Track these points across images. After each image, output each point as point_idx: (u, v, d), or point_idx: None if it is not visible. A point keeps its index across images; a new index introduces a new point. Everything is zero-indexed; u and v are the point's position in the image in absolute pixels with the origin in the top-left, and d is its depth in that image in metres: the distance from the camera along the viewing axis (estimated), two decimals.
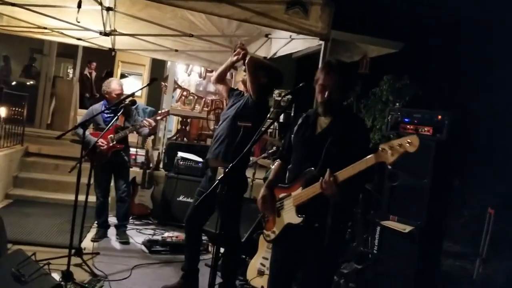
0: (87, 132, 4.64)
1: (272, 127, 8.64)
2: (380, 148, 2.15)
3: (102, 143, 4.73)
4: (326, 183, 2.28)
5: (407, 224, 3.99)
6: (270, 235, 2.67)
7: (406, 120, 4.21)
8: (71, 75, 11.80)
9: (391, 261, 4.07)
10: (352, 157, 2.25)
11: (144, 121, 4.81)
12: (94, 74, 11.19)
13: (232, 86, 5.19)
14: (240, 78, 4.04)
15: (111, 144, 4.80)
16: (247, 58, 3.64)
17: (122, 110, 4.44)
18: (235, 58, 3.74)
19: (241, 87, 4.04)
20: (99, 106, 4.91)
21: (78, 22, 4.39)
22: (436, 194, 4.02)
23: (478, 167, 7.01)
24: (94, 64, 11.11)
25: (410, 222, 3.99)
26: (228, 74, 4.38)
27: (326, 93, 2.49)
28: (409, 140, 2.08)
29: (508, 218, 6.33)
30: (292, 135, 2.71)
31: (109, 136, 4.78)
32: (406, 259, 3.96)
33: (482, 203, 6.65)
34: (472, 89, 7.54)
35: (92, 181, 4.07)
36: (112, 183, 5.11)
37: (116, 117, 4.34)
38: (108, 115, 4.83)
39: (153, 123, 4.84)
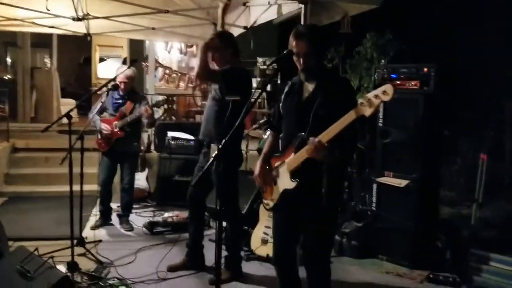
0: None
1: (260, 97, 8.59)
2: (359, 102, 2.20)
3: (106, 128, 4.74)
4: (312, 147, 2.32)
5: (402, 178, 4.05)
6: (269, 203, 2.73)
7: (392, 76, 4.21)
8: (49, 65, 11.55)
9: (390, 215, 4.14)
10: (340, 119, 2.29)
11: (142, 108, 4.63)
12: None
13: None
14: None
15: (114, 130, 4.76)
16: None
17: (130, 97, 4.54)
18: None
19: None
20: (111, 93, 4.80)
21: (48, 10, 4.25)
22: (428, 146, 4.06)
23: (465, 113, 7.07)
24: None
25: (405, 176, 4.04)
26: None
27: (301, 60, 2.53)
28: (383, 90, 2.14)
29: (499, 162, 6.45)
30: (281, 104, 2.74)
31: (114, 123, 4.76)
32: (405, 212, 4.04)
33: (473, 149, 6.76)
34: (455, 39, 7.51)
35: (95, 170, 4.04)
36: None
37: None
38: (116, 101, 4.81)
39: (149, 111, 4.61)
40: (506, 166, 6.75)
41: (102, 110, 4.87)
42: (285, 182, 2.58)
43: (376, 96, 2.15)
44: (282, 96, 2.71)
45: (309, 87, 2.59)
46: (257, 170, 2.75)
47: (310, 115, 2.47)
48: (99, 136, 4.86)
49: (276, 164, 2.66)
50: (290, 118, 2.65)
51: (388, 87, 2.14)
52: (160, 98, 5.68)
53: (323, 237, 2.62)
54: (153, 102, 4.91)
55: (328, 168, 2.47)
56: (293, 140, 2.54)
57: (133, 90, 4.88)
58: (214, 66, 3.63)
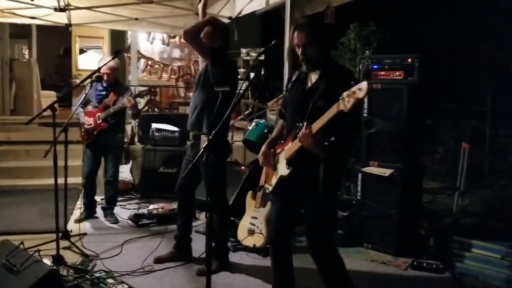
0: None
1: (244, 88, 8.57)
2: (340, 98, 2.27)
3: (88, 120, 4.73)
4: (302, 135, 2.40)
5: (387, 168, 4.10)
6: (269, 188, 2.86)
7: (376, 66, 4.24)
8: (27, 56, 11.32)
9: (375, 204, 4.20)
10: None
11: (125, 99, 4.62)
12: None
13: None
14: None
15: (97, 122, 4.73)
16: (182, 34, 3.53)
17: (113, 90, 4.55)
18: None
19: None
20: (94, 85, 4.77)
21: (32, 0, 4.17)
22: (412, 136, 4.12)
23: (447, 103, 7.17)
24: None
25: (390, 166, 4.09)
26: None
27: (300, 51, 2.59)
28: (359, 87, 2.21)
29: (479, 150, 6.57)
30: (287, 93, 2.85)
31: (97, 114, 4.73)
32: (389, 201, 4.09)
33: (454, 138, 6.88)
34: (438, 28, 7.60)
35: (79, 162, 3.99)
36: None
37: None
38: (100, 93, 4.78)
39: (132, 101, 4.60)
40: (486, 154, 6.88)
41: (85, 103, 4.82)
42: (282, 168, 2.68)
43: (354, 93, 2.21)
44: (289, 85, 2.80)
45: (313, 77, 2.66)
46: (261, 150, 2.86)
47: (309, 105, 2.54)
48: (82, 129, 4.82)
49: (278, 150, 2.78)
50: (292, 107, 2.74)
51: (363, 85, 2.21)
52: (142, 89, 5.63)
53: (322, 224, 2.68)
54: (136, 93, 4.85)
55: (325, 158, 2.53)
56: (292, 129, 2.62)
57: (116, 81, 4.86)
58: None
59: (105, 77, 4.69)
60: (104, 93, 4.80)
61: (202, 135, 3.46)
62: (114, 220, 4.93)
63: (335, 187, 2.75)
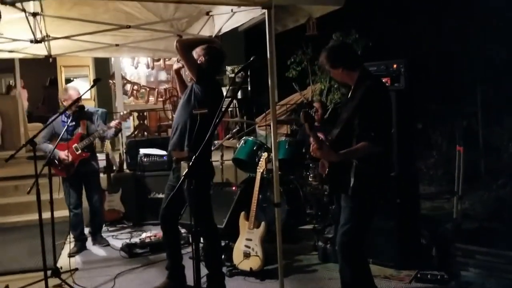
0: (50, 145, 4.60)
1: (231, 105, 8.49)
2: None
3: (66, 154, 4.59)
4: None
5: None
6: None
7: None
8: (14, 90, 11.21)
9: (374, 215, 4.06)
10: (356, 124, 2.71)
11: (110, 124, 4.71)
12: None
13: None
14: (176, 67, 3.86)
15: (77, 153, 4.64)
16: (175, 42, 3.47)
17: (81, 117, 4.52)
18: (176, 66, 3.81)
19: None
20: (60, 117, 4.69)
21: (1, 34, 4.07)
22: (404, 142, 4.02)
23: (437, 106, 7.14)
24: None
25: None
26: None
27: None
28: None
29: (473, 151, 6.51)
30: None
31: (73, 146, 4.64)
32: (386, 211, 3.96)
33: (447, 140, 6.82)
34: (420, 33, 7.60)
35: (59, 195, 3.90)
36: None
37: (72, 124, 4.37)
38: (70, 124, 4.62)
39: (120, 126, 4.72)
40: (480, 154, 6.82)
41: (51, 136, 4.72)
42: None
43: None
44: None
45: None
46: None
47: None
48: (59, 165, 4.66)
49: None
50: None
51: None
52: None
53: (348, 229, 2.83)
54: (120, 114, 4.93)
55: (356, 165, 2.72)
56: None
57: (80, 108, 4.53)
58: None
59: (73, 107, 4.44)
60: (74, 123, 4.69)
61: (182, 162, 3.34)
62: (105, 242, 4.95)
63: (364, 193, 2.79)
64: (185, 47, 3.49)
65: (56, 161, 4.61)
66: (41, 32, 4.70)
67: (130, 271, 4.23)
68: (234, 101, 8.43)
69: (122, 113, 4.94)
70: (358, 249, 2.91)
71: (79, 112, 4.50)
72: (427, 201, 5.65)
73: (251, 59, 2.62)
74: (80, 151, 4.66)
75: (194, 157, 2.13)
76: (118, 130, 4.81)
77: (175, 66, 3.83)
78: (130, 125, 9.75)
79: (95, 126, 4.82)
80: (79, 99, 4.40)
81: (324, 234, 4.40)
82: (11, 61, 9.30)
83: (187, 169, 2.14)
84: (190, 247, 4.62)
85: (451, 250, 3.67)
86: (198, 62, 3.52)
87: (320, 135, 2.77)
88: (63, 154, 4.58)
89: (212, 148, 6.05)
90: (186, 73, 3.70)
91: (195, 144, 3.21)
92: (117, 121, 4.75)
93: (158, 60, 9.00)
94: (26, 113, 10.74)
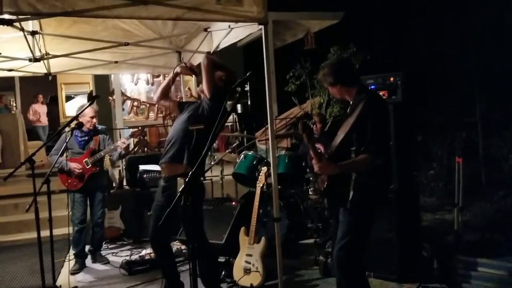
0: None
1: (231, 120, 8.51)
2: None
3: (77, 166, 4.68)
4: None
5: None
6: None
7: None
8: (14, 109, 11.27)
9: (372, 229, 4.04)
10: (355, 138, 2.75)
11: (119, 142, 4.79)
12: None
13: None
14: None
15: (87, 167, 4.71)
16: (205, 56, 3.66)
17: (95, 133, 4.70)
18: (178, 69, 3.84)
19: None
20: (74, 132, 4.78)
21: (0, 53, 4.10)
22: (403, 155, 4.01)
23: (436, 118, 7.14)
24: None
25: None
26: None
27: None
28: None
29: (473, 162, 6.49)
30: None
31: (84, 160, 4.71)
32: (387, 224, 3.95)
33: (447, 152, 6.80)
34: (417, 45, 7.64)
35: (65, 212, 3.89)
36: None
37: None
38: (82, 139, 4.79)
39: (127, 142, 4.80)
40: (481, 165, 6.80)
41: (63, 151, 4.75)
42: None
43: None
44: None
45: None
46: None
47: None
48: (71, 176, 4.72)
49: None
50: None
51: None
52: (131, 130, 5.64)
53: (345, 243, 2.83)
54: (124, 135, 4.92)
55: (356, 177, 2.74)
56: None
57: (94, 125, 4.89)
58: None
59: (91, 123, 4.76)
60: (86, 138, 4.82)
61: (178, 178, 3.33)
62: (105, 259, 4.97)
63: (363, 206, 2.81)
64: (212, 64, 3.66)
65: (65, 172, 4.67)
66: (40, 50, 4.73)
67: None
68: (234, 116, 8.45)
69: (132, 131, 5.08)
70: (356, 263, 2.90)
71: (94, 128, 4.81)
72: (428, 213, 5.61)
73: (247, 74, 2.65)
74: (90, 165, 4.72)
75: (191, 172, 2.12)
76: (125, 154, 4.90)
77: (178, 69, 3.87)
78: (130, 141, 9.78)
79: (106, 144, 4.93)
80: (94, 117, 4.77)
81: (325, 248, 4.36)
82: (11, 79, 9.36)
83: (183, 185, 2.13)
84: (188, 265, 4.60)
85: (452, 262, 3.64)
86: (217, 83, 3.65)
87: (319, 147, 2.77)
88: (74, 165, 4.67)
89: (212, 163, 6.06)
90: (185, 90, 3.73)
91: (192, 159, 3.22)
92: (123, 140, 4.84)
93: (158, 76, 9.05)
94: (47, 130, 10.96)
